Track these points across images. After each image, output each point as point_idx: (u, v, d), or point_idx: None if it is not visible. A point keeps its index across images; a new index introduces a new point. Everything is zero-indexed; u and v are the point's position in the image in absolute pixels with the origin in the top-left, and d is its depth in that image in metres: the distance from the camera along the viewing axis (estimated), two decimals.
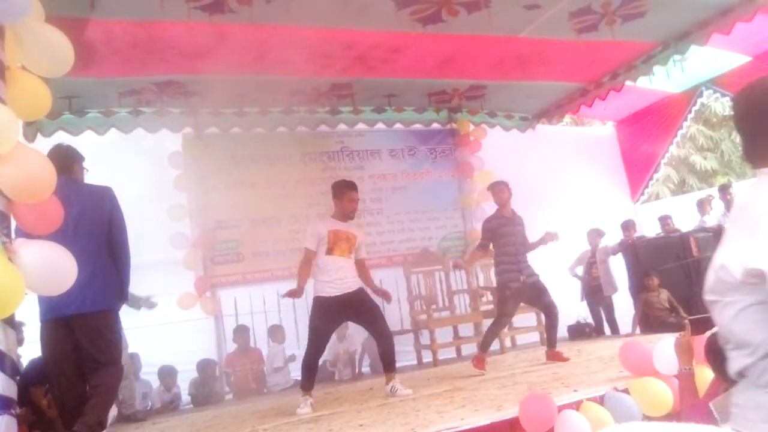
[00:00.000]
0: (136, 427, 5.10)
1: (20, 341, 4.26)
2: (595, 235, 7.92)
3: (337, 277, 4.87)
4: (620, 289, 7.74)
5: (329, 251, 4.90)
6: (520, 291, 5.65)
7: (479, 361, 5.53)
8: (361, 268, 5.15)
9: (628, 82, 7.31)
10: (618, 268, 7.88)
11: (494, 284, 7.48)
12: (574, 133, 10.60)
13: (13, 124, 2.72)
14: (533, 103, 8.27)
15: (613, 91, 7.48)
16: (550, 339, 5.85)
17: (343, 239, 4.95)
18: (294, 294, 4.81)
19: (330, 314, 4.87)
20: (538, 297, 5.75)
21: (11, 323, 2.76)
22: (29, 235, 2.96)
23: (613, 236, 8.02)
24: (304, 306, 6.71)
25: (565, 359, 5.59)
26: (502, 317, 5.80)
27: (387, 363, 5.02)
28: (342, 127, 7.76)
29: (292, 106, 7.15)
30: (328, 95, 7.04)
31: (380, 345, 5.02)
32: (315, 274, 4.96)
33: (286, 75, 6.28)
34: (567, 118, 10.66)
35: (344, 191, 5.07)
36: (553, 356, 5.68)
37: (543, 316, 6.06)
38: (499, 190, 5.87)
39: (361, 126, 7.85)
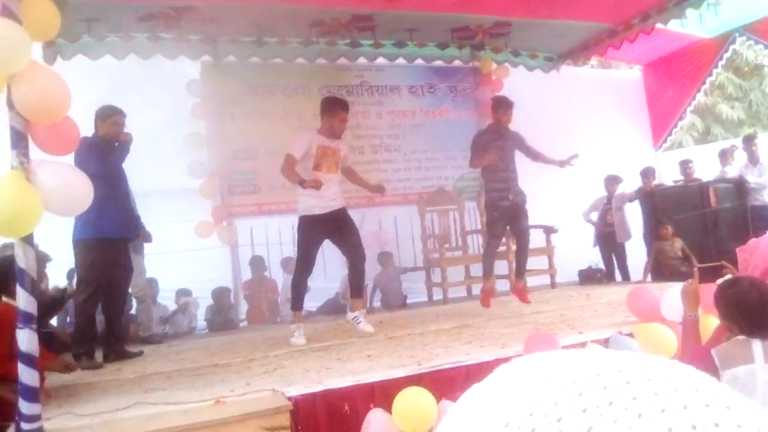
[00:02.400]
0: (154, 349, 5.28)
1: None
2: (612, 181, 7.85)
3: (325, 196, 4.71)
4: (634, 236, 7.73)
5: (317, 167, 4.71)
6: (508, 210, 5.38)
7: (485, 296, 5.49)
8: (351, 173, 5.20)
9: (658, 25, 7.07)
10: (633, 216, 7.85)
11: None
12: (599, 76, 10.36)
13: (28, 42, 2.71)
14: (559, 42, 8.03)
15: (642, 34, 7.24)
16: (519, 269, 5.65)
17: (329, 155, 4.81)
18: (315, 184, 4.48)
19: (316, 232, 4.77)
20: (517, 219, 5.45)
21: (30, 242, 2.83)
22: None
23: (631, 183, 7.94)
24: None
25: (527, 301, 5.48)
26: (491, 240, 5.62)
27: (356, 287, 4.92)
28: (362, 60, 7.64)
29: (312, 38, 7.02)
30: (349, 27, 6.89)
31: (354, 267, 4.92)
32: (301, 192, 4.73)
33: (306, 4, 6.15)
34: (593, 60, 10.40)
35: (336, 110, 4.86)
36: (518, 292, 5.55)
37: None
38: (504, 111, 5.53)
39: (381, 60, 7.72)
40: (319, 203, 4.70)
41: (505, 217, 5.44)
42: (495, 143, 5.45)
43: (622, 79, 10.02)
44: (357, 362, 3.78)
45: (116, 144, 4.77)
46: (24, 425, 2.70)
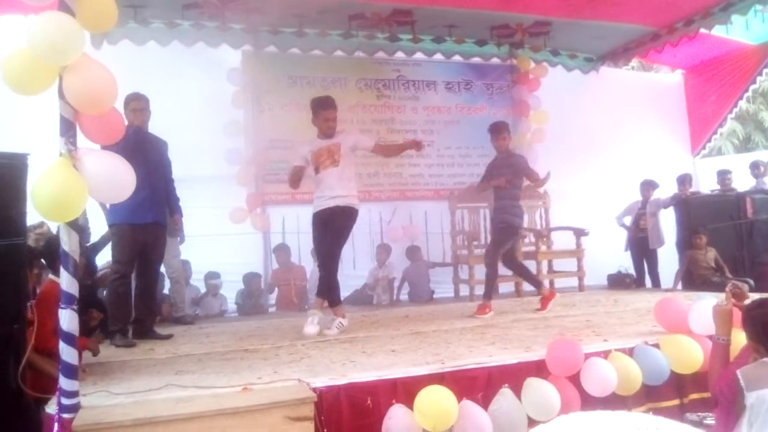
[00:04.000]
0: (185, 330, 5.42)
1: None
2: (648, 186, 7.76)
3: (324, 193, 4.87)
4: (667, 243, 7.64)
5: (316, 170, 4.91)
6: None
7: (480, 308, 5.53)
8: (383, 149, 5.39)
9: (702, 30, 6.96)
10: (667, 222, 7.76)
11: (537, 226, 7.53)
12: (639, 79, 10.19)
13: (80, 35, 2.81)
14: (600, 43, 7.97)
15: (685, 38, 7.14)
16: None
17: (324, 155, 4.86)
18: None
19: (320, 228, 4.91)
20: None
21: (75, 227, 2.95)
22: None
23: (667, 189, 7.84)
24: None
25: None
26: (486, 258, 5.87)
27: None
28: (400, 55, 7.69)
29: (352, 30, 7.08)
30: (389, 21, 6.93)
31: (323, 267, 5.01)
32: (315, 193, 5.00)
33: None
34: (633, 63, 10.25)
35: (318, 111, 4.92)
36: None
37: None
38: (503, 136, 5.72)
39: (419, 55, 7.76)
40: (321, 200, 4.88)
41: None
42: (495, 170, 5.73)
43: (662, 82, 9.86)
44: (381, 356, 3.85)
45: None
46: (64, 400, 2.83)
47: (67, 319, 2.87)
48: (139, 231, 4.83)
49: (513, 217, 5.66)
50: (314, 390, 3.08)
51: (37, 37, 2.69)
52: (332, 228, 4.84)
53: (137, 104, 4.92)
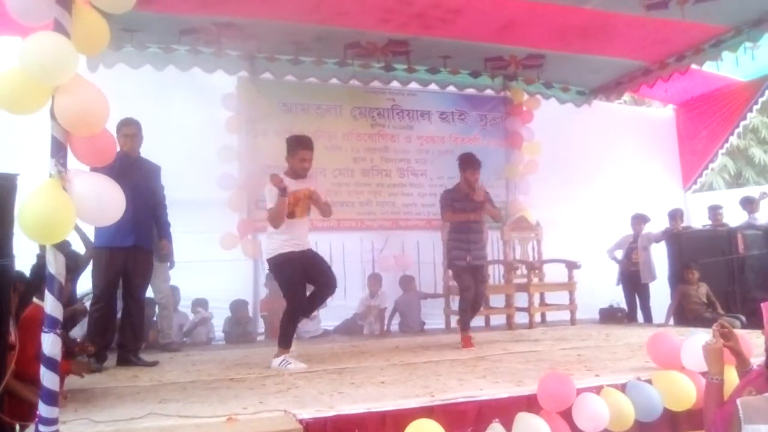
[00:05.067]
0: (171, 357, 5.33)
1: None
2: (640, 220, 7.78)
3: (299, 238, 4.76)
4: (658, 278, 7.63)
5: (291, 214, 4.68)
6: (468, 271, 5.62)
7: (466, 341, 5.48)
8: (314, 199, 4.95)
9: (693, 66, 7.05)
10: (659, 257, 7.76)
11: (529, 258, 7.51)
12: (631, 113, 10.31)
13: (74, 56, 2.79)
14: (592, 77, 8.05)
15: (677, 73, 7.23)
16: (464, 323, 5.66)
17: (302, 199, 4.74)
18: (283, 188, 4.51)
19: (301, 266, 4.73)
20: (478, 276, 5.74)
21: (61, 249, 2.90)
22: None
23: (658, 223, 7.87)
24: (340, 255, 6.89)
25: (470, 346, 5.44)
26: (462, 293, 5.71)
27: (315, 304, 5.00)
28: (395, 84, 7.73)
29: (347, 59, 7.12)
30: (384, 51, 6.98)
31: (325, 294, 4.94)
32: (270, 235, 4.80)
33: (344, 26, 6.26)
34: (626, 97, 10.36)
35: (296, 149, 4.77)
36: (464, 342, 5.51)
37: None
38: (474, 171, 5.66)
39: (413, 85, 7.81)
40: (295, 244, 4.72)
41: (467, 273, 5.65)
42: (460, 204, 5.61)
43: (654, 117, 9.96)
44: (370, 388, 3.78)
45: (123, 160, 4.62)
46: (42, 428, 2.75)
47: (50, 344, 2.80)
48: (119, 255, 4.81)
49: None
50: (300, 421, 3.00)
51: (28, 56, 2.68)
52: (318, 265, 4.85)
53: (129, 129, 4.92)
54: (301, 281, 4.78)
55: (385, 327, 7.20)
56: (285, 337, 4.76)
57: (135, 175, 4.81)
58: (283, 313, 4.82)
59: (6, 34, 5.77)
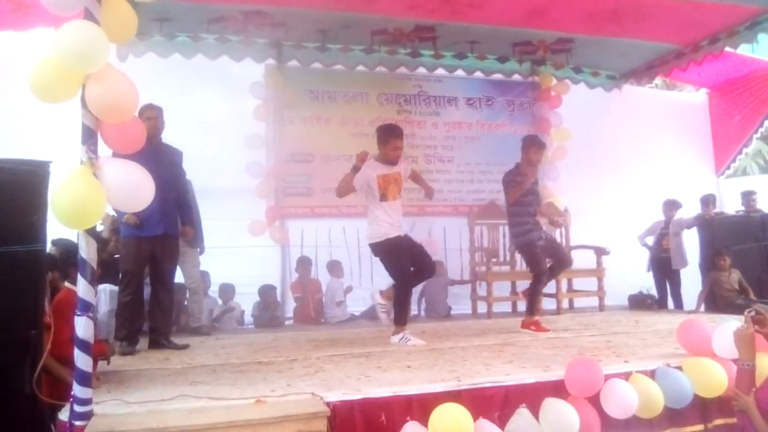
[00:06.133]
0: (201, 340, 5.42)
1: None
2: (671, 206, 7.66)
3: (396, 220, 5.04)
4: (690, 264, 7.51)
5: (383, 197, 4.98)
6: (543, 249, 5.59)
7: (537, 325, 5.44)
8: (416, 177, 5.44)
9: (727, 48, 6.87)
10: (691, 243, 7.64)
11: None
12: (662, 97, 10.10)
13: (106, 43, 2.84)
14: (623, 61, 7.90)
15: (710, 57, 7.06)
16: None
17: (392, 182, 5.02)
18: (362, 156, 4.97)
19: (406, 250, 5.03)
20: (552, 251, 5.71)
21: (93, 234, 2.96)
22: None
23: (690, 209, 7.73)
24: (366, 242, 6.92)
25: (544, 330, 5.44)
26: (540, 276, 5.58)
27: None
28: (421, 70, 7.69)
29: (374, 46, 7.11)
30: (411, 37, 6.94)
31: (424, 277, 5.29)
32: (372, 219, 5.04)
33: (371, 13, 6.24)
34: (657, 81, 10.16)
35: (389, 138, 5.05)
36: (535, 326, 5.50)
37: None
38: (541, 151, 5.65)
39: (440, 71, 7.77)
40: (393, 228, 5.00)
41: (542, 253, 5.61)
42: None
43: (686, 101, 9.77)
44: (396, 372, 3.81)
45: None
46: (76, 407, 2.83)
47: (83, 327, 2.88)
48: (147, 243, 4.89)
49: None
50: (328, 404, 3.05)
51: (63, 44, 2.73)
52: (415, 248, 5.12)
53: (151, 113, 4.94)
54: (408, 263, 5.03)
55: (412, 312, 7.21)
56: (400, 316, 5.07)
57: (159, 162, 4.74)
58: (394, 294, 5.11)
59: (37, 26, 5.90)
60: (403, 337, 4.92)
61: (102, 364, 3.87)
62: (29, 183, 3.28)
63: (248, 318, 6.82)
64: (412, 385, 3.40)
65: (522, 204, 5.52)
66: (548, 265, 5.62)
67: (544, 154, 5.71)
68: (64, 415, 2.90)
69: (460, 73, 7.80)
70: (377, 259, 5.31)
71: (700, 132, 9.16)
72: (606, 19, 6.41)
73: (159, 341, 4.97)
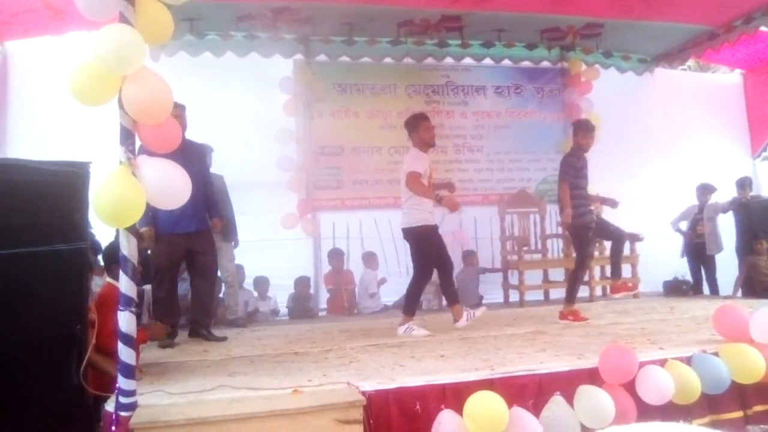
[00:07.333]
0: (238, 332, 5.53)
1: None
2: (705, 190, 7.52)
3: (432, 210, 5.12)
4: (725, 249, 7.39)
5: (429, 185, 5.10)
6: (595, 231, 5.55)
7: (576, 314, 5.40)
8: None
9: (762, 28, 6.72)
10: (726, 227, 7.50)
11: None
12: (695, 80, 9.89)
13: (141, 45, 2.92)
14: (654, 44, 7.78)
15: (744, 37, 6.90)
16: (616, 268, 5.72)
17: (432, 173, 5.19)
18: (453, 206, 5.04)
19: (436, 241, 5.15)
20: (605, 229, 5.67)
21: (133, 232, 3.06)
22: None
23: (725, 193, 7.59)
24: (398, 232, 6.96)
25: (631, 288, 5.57)
26: (586, 260, 5.61)
27: (450, 293, 5.35)
28: (448, 60, 7.69)
29: (401, 37, 7.12)
30: (437, 27, 6.94)
31: (447, 275, 5.30)
32: (416, 205, 5.05)
33: (397, 5, 6.26)
34: (690, 63, 9.96)
35: (418, 123, 5.17)
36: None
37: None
38: (589, 134, 5.57)
39: (468, 60, 7.75)
40: (432, 216, 5.11)
41: (593, 236, 5.62)
42: (584, 170, 5.55)
43: (720, 83, 9.54)
44: (430, 361, 3.85)
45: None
46: (121, 398, 2.94)
47: (126, 321, 2.99)
48: (181, 239, 4.97)
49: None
50: (363, 393, 3.11)
51: (101, 47, 2.81)
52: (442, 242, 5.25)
53: (175, 111, 4.98)
54: (434, 255, 5.13)
55: (444, 302, 7.22)
56: (410, 305, 5.17)
57: (187, 159, 4.81)
58: (411, 282, 5.24)
59: (73, 30, 6.05)
60: (407, 328, 5.01)
61: (144, 357, 3.99)
62: (71, 184, 3.39)
63: (283, 309, 6.94)
64: (445, 374, 3.44)
65: (577, 186, 5.48)
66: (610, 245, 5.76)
67: (593, 138, 5.60)
68: (110, 406, 3.01)
69: (487, 61, 7.78)
70: (408, 251, 5.37)
71: (735, 114, 8.95)
72: (635, 1, 6.32)
73: (200, 333, 5.09)
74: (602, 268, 7.33)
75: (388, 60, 7.46)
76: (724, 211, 7.47)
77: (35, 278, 3.16)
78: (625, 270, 7.18)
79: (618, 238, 5.67)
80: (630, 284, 5.69)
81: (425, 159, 5.11)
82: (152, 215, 4.75)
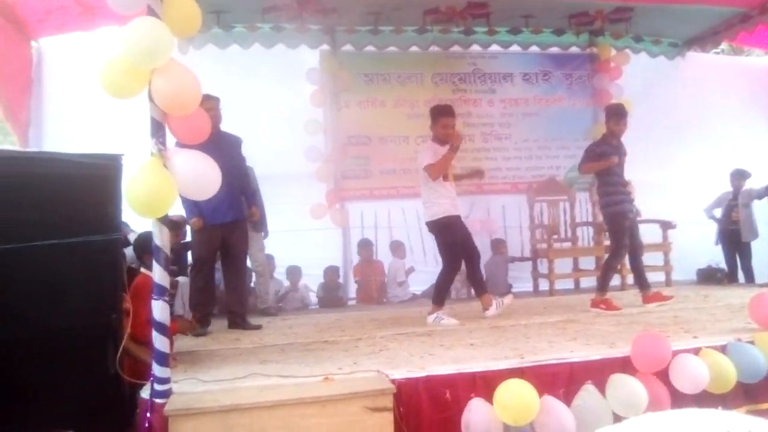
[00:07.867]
0: (268, 321, 5.60)
1: None
2: (740, 176, 7.36)
3: (455, 199, 5.15)
4: (761, 235, 7.22)
5: (445, 177, 5.08)
6: (632, 223, 5.45)
7: (608, 303, 5.34)
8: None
9: None
10: (762, 214, 7.34)
11: None
12: (729, 63, 9.66)
13: (169, 40, 2.96)
14: (686, 27, 7.60)
15: None
16: (642, 280, 5.56)
17: (450, 165, 5.12)
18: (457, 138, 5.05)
19: (460, 231, 5.14)
20: (631, 233, 5.47)
21: (166, 222, 3.11)
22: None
23: (760, 178, 7.41)
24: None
25: (666, 298, 5.42)
26: (622, 249, 5.50)
27: (477, 283, 5.35)
28: (475, 48, 7.62)
29: (426, 26, 7.08)
30: (464, 14, 6.88)
31: (473, 264, 5.27)
32: (434, 198, 5.08)
33: None
34: (723, 46, 9.72)
35: (438, 118, 5.13)
36: (652, 299, 5.42)
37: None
38: (621, 120, 5.46)
39: (495, 48, 7.66)
40: (454, 207, 5.11)
41: (629, 228, 5.43)
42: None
43: (755, 66, 9.31)
44: (459, 350, 3.86)
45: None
46: (156, 386, 3.00)
47: (159, 310, 3.04)
48: (218, 231, 5.06)
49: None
50: (393, 381, 3.12)
51: (131, 41, 2.86)
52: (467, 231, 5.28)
53: (209, 104, 5.02)
54: (459, 245, 5.13)
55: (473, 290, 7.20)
56: (439, 296, 5.18)
57: (222, 151, 4.88)
58: (440, 272, 5.25)
59: (103, 25, 6.13)
60: (437, 317, 5.01)
61: (178, 345, 4.06)
62: (104, 176, 3.44)
63: (313, 298, 7.00)
64: (475, 362, 3.44)
65: (615, 173, 5.41)
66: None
67: (626, 124, 5.49)
68: (145, 394, 3.07)
69: (515, 48, 7.67)
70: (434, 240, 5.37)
71: None
72: None
73: (237, 322, 5.19)
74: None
75: (414, 49, 7.41)
76: (760, 197, 7.29)
77: (72, 269, 3.23)
78: (658, 258, 7.10)
79: (634, 249, 5.51)
80: (665, 293, 5.51)
81: (440, 151, 5.06)
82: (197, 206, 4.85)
